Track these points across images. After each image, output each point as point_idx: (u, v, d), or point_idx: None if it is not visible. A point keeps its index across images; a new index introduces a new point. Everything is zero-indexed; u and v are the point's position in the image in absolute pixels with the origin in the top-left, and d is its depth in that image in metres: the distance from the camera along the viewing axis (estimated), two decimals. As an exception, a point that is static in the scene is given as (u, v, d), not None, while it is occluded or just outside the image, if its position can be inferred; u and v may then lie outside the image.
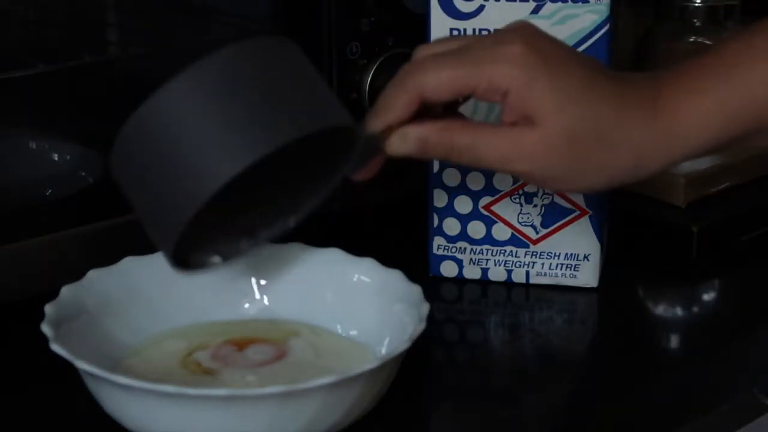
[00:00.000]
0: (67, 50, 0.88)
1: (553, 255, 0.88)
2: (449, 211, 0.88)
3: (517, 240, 0.88)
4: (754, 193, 1.00)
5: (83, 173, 0.87)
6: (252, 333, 0.77)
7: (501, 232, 0.88)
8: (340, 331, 0.77)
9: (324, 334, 0.77)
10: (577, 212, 0.87)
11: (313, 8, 0.91)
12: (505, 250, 0.88)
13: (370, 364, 0.67)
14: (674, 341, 0.86)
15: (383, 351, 0.74)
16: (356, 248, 0.79)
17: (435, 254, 0.89)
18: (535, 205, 0.87)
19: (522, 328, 0.86)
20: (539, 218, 0.87)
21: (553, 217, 0.87)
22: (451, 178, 0.87)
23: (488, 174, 0.86)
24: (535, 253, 0.88)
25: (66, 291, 0.74)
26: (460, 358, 0.83)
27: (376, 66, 0.94)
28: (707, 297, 0.92)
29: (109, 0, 0.92)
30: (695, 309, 0.90)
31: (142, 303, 0.77)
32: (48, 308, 0.71)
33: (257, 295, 0.80)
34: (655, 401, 0.77)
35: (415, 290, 0.74)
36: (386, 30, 0.94)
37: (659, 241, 0.96)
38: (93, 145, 0.87)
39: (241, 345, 0.75)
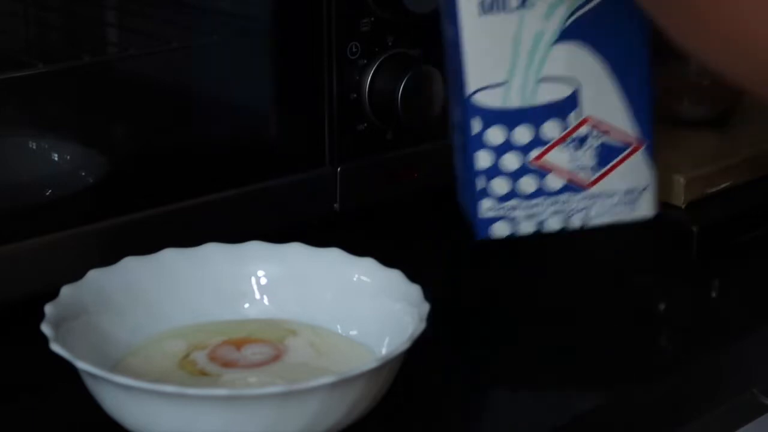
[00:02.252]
0: (67, 50, 0.88)
1: (609, 194, 0.85)
2: (496, 170, 0.83)
3: (572, 186, 0.85)
4: (754, 193, 1.00)
5: (83, 173, 0.87)
6: (252, 333, 0.77)
7: (554, 181, 0.84)
8: (340, 331, 0.77)
9: (324, 334, 0.77)
10: (631, 147, 0.84)
11: (313, 8, 0.91)
12: (560, 199, 0.85)
13: (370, 364, 0.67)
14: (674, 341, 0.86)
15: (383, 351, 0.74)
16: (356, 248, 0.79)
17: (483, 218, 0.85)
18: (588, 148, 0.84)
19: (521, 329, 0.86)
20: (593, 160, 0.84)
21: (607, 156, 0.84)
22: (495, 136, 0.83)
23: (536, 125, 0.83)
24: (592, 196, 0.85)
25: (66, 291, 0.74)
26: (460, 358, 0.83)
27: (376, 66, 0.94)
28: (707, 297, 0.92)
29: (109, 0, 0.92)
30: (695, 309, 0.90)
31: (142, 303, 0.77)
32: (48, 308, 0.71)
33: (257, 295, 0.80)
34: (655, 401, 0.77)
35: (415, 290, 0.74)
36: (386, 30, 0.95)
37: (659, 241, 0.96)
38: (93, 145, 0.87)
39: (240, 345, 0.75)
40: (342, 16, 0.92)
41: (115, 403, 0.68)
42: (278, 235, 0.82)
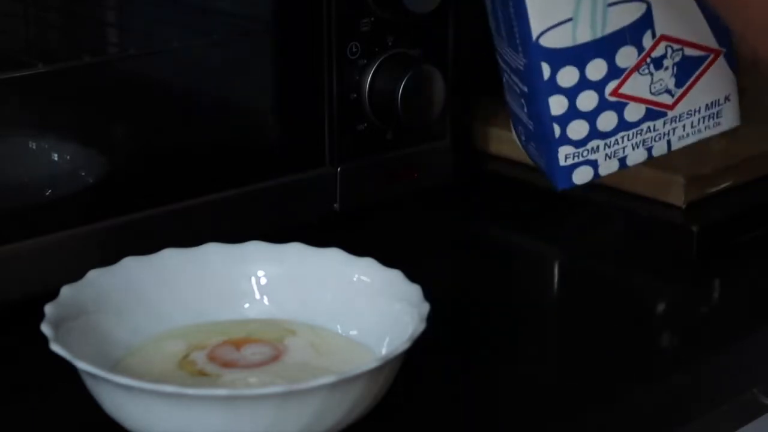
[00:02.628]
0: (67, 50, 0.88)
1: (693, 112, 0.82)
2: (572, 113, 0.79)
3: (653, 113, 0.81)
4: (754, 193, 1.00)
5: (83, 173, 0.87)
6: (251, 333, 0.77)
7: (634, 112, 0.80)
8: (340, 331, 0.77)
9: (324, 334, 0.77)
10: (711, 55, 0.81)
11: (313, 8, 0.91)
12: (642, 129, 0.81)
13: (370, 364, 0.67)
14: (674, 341, 0.86)
15: (383, 351, 0.74)
16: (356, 248, 0.79)
17: (563, 167, 0.80)
18: (666, 68, 0.80)
19: (520, 328, 0.86)
20: (672, 80, 0.81)
21: (687, 71, 0.81)
22: (568, 77, 0.78)
23: (609, 56, 0.78)
24: (674, 118, 0.81)
25: (66, 291, 0.74)
26: (460, 358, 0.83)
27: (376, 66, 0.94)
28: (707, 297, 0.92)
29: (109, 0, 0.92)
30: (695, 309, 0.90)
31: (142, 303, 0.77)
32: (48, 308, 0.71)
33: (257, 295, 0.80)
34: (655, 401, 0.77)
35: (415, 290, 0.74)
36: (386, 30, 0.95)
37: (659, 241, 0.96)
38: (93, 145, 0.87)
39: (240, 345, 0.75)
40: (342, 16, 0.92)
41: (115, 403, 0.68)
42: (278, 235, 0.82)
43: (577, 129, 0.79)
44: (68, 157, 0.87)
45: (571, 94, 0.78)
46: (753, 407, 0.85)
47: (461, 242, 1.00)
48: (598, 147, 0.80)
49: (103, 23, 0.92)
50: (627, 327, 0.85)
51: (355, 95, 0.94)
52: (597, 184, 1.00)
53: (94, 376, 0.67)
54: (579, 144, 0.80)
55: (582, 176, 0.81)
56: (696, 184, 0.97)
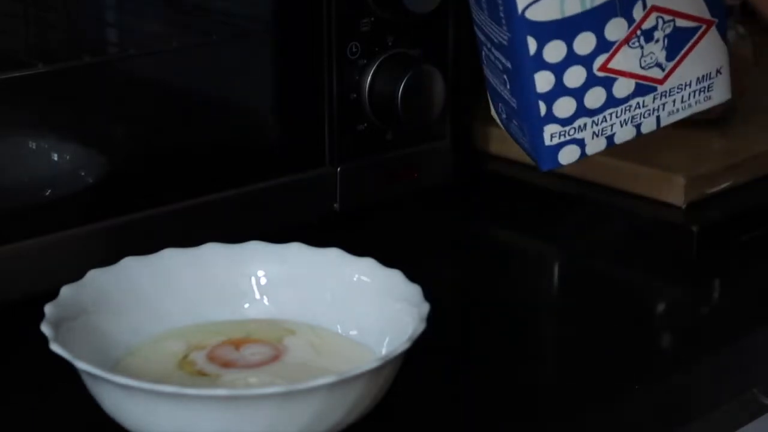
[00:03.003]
0: (67, 50, 0.88)
1: (684, 86, 0.79)
2: (559, 90, 0.75)
3: (642, 88, 0.77)
4: (755, 193, 1.00)
5: (83, 173, 0.87)
6: (251, 333, 0.77)
7: (623, 87, 0.77)
8: (340, 331, 0.77)
9: (324, 334, 0.77)
10: (703, 26, 0.78)
11: (313, 8, 0.91)
12: (631, 105, 0.77)
13: (370, 364, 0.67)
14: (674, 341, 0.86)
15: (383, 351, 0.74)
16: (356, 248, 0.79)
17: (549, 146, 0.77)
18: (657, 40, 0.77)
19: (521, 328, 0.86)
20: (663, 53, 0.77)
21: (679, 43, 0.78)
22: (555, 52, 0.74)
23: (598, 29, 0.75)
24: (664, 93, 0.78)
25: (66, 291, 0.74)
26: (460, 358, 0.83)
27: (376, 66, 0.94)
28: (707, 297, 0.92)
29: (109, 0, 0.92)
30: (695, 309, 0.90)
31: (141, 303, 0.77)
32: (48, 308, 0.71)
33: (257, 295, 0.80)
34: (655, 401, 0.77)
35: (415, 290, 0.74)
36: (386, 30, 0.95)
37: (659, 241, 0.96)
38: (93, 145, 0.87)
39: (239, 345, 0.75)
40: (342, 16, 0.92)
41: (114, 403, 0.68)
42: (278, 235, 0.82)
43: (564, 106, 0.76)
44: (68, 157, 0.87)
45: (558, 69, 0.75)
46: (753, 407, 0.85)
47: (461, 242, 1.00)
48: (585, 125, 0.77)
49: (103, 23, 0.92)
50: (627, 327, 0.85)
51: (355, 95, 0.94)
52: (597, 183, 1.01)
53: (94, 376, 0.67)
54: (565, 122, 0.76)
55: (568, 156, 0.78)
56: (696, 184, 0.97)
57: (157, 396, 0.65)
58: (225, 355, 0.74)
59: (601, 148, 0.78)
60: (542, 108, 0.75)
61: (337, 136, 0.94)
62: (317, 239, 0.80)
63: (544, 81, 0.74)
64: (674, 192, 0.97)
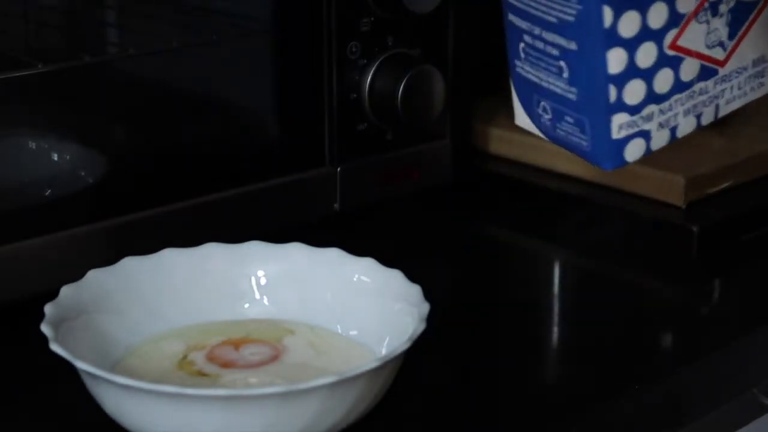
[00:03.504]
0: (67, 50, 0.88)
1: (741, 70, 0.75)
2: (631, 71, 0.70)
3: (705, 71, 0.74)
4: (755, 193, 1.00)
5: (83, 173, 0.87)
6: (251, 333, 0.77)
7: (689, 69, 0.73)
8: (340, 331, 0.77)
9: (323, 334, 0.77)
10: (762, 0, 0.74)
11: (313, 8, 0.91)
12: (694, 92, 0.74)
13: (370, 364, 0.67)
14: (674, 341, 0.86)
15: (383, 351, 0.74)
16: (356, 248, 0.79)
17: (616, 140, 0.71)
18: (722, 15, 0.73)
19: (521, 328, 0.86)
20: (726, 30, 0.72)
21: (740, 19, 0.74)
22: (630, 25, 0.68)
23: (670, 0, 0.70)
24: (724, 78, 0.74)
25: (66, 291, 0.74)
26: (461, 358, 0.83)
27: (376, 66, 0.94)
28: (707, 297, 0.92)
29: (109, 0, 0.92)
30: (695, 309, 0.90)
31: (141, 303, 0.77)
32: (48, 308, 0.71)
33: (257, 295, 0.80)
34: (654, 401, 0.77)
35: (415, 290, 0.74)
36: (386, 30, 0.95)
37: (659, 241, 0.96)
38: (93, 145, 0.87)
39: (239, 345, 0.75)
40: (342, 16, 0.92)
41: (114, 403, 0.68)
42: (278, 235, 0.82)
43: (634, 91, 0.71)
44: (68, 157, 0.87)
45: (631, 46, 0.70)
46: (753, 407, 0.86)
47: (461, 242, 0.99)
48: (652, 114, 0.72)
49: (103, 23, 0.92)
50: (627, 327, 0.85)
51: (355, 95, 0.94)
52: (597, 183, 1.01)
53: (94, 376, 0.67)
54: (634, 110, 0.71)
55: (634, 152, 0.73)
56: (696, 184, 0.97)
57: (157, 396, 0.65)
58: (224, 355, 0.74)
59: (664, 143, 0.74)
60: (612, 93, 0.70)
61: (337, 136, 0.94)
62: (317, 239, 0.80)
63: (616, 60, 0.69)
64: (674, 192, 0.97)
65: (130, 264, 0.77)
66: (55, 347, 0.67)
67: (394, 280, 0.76)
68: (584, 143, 0.72)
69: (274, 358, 0.74)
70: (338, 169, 0.95)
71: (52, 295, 0.73)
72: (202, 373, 0.72)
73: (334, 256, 0.79)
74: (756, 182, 1.01)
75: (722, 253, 0.95)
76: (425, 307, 0.72)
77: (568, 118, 0.72)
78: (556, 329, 0.86)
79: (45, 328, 0.69)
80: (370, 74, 0.94)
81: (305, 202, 0.94)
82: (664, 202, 0.98)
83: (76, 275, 0.75)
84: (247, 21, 0.93)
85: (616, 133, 0.71)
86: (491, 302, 0.89)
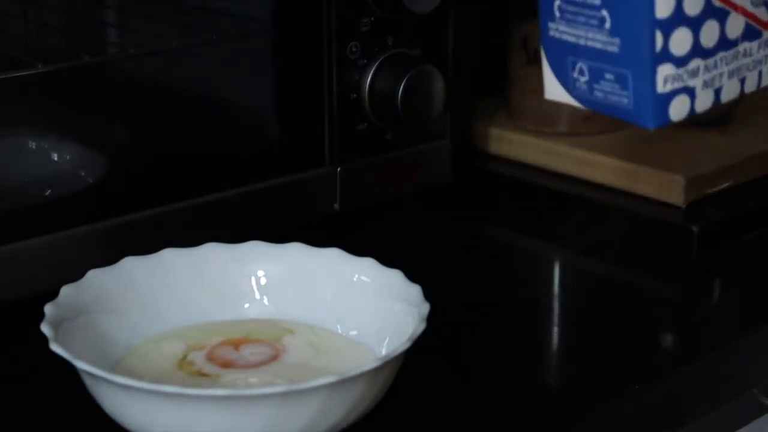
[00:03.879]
0: (67, 50, 0.88)
1: None
2: (678, 17, 0.66)
3: (750, 31, 0.71)
4: (755, 193, 1.00)
5: (83, 173, 0.87)
6: (251, 333, 0.77)
7: (735, 25, 0.70)
8: (340, 331, 0.77)
9: (324, 334, 0.77)
10: None
11: (313, 8, 0.91)
12: (738, 51, 0.71)
13: (370, 364, 0.67)
14: (674, 341, 0.86)
15: (383, 351, 0.74)
16: (356, 248, 0.79)
17: (661, 94, 0.67)
18: None
19: (521, 328, 0.86)
20: None
21: None
22: None
23: None
24: (766, 43, 0.72)
25: (66, 291, 0.74)
26: (461, 358, 0.83)
27: (376, 66, 0.94)
28: (707, 297, 0.92)
29: (109, 0, 0.92)
30: (695, 309, 0.90)
31: (141, 303, 0.77)
32: (48, 308, 0.71)
33: (257, 295, 0.80)
34: (654, 401, 0.77)
35: (415, 290, 0.74)
36: (386, 30, 0.95)
37: (659, 241, 0.96)
38: (93, 145, 0.87)
39: (238, 345, 0.75)
40: (342, 16, 0.92)
41: (114, 403, 0.68)
42: (278, 235, 0.82)
43: (681, 40, 0.67)
44: (68, 157, 0.87)
45: None
46: (753, 407, 0.86)
47: (461, 242, 0.99)
48: (698, 69, 0.69)
49: (103, 23, 0.92)
50: (627, 327, 0.85)
51: (355, 95, 0.94)
52: (597, 183, 1.01)
53: (94, 376, 0.67)
54: (680, 62, 0.68)
55: (679, 110, 0.69)
56: (696, 184, 0.97)
57: (157, 396, 0.65)
58: (224, 356, 0.74)
59: (708, 105, 0.71)
60: (659, 40, 0.66)
61: (337, 136, 0.94)
62: (317, 239, 0.80)
63: (665, 2, 0.66)
64: (674, 192, 0.97)
65: (130, 264, 0.77)
66: (55, 347, 0.67)
67: (394, 280, 0.76)
68: (626, 100, 0.69)
69: (274, 358, 0.74)
70: (338, 169, 0.95)
71: (52, 295, 0.73)
72: (201, 374, 0.72)
73: (334, 256, 0.79)
74: (756, 182, 1.01)
75: (722, 253, 0.95)
76: (425, 307, 0.72)
77: (608, 75, 0.69)
78: (556, 329, 0.86)
79: (45, 328, 0.69)
80: (370, 74, 0.94)
81: (305, 202, 0.94)
82: (664, 202, 0.98)
83: (76, 275, 0.75)
84: (247, 21, 0.93)
85: (662, 87, 0.68)
86: (491, 302, 0.89)
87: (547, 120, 1.06)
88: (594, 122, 1.04)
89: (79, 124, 0.86)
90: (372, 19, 0.93)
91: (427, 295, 0.74)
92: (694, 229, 0.94)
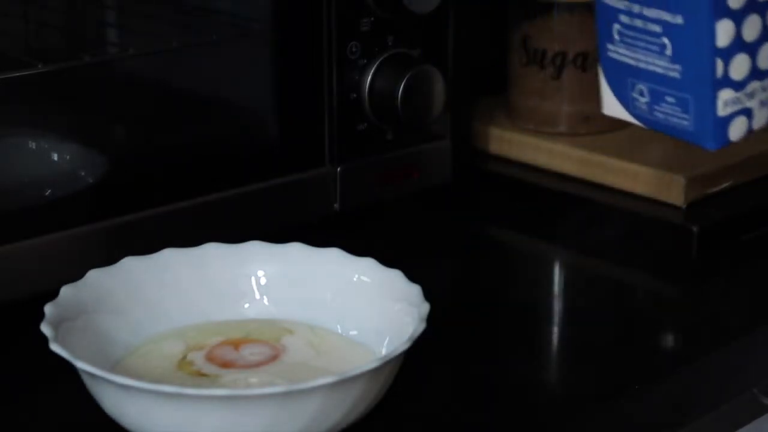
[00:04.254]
0: (67, 50, 0.88)
1: None
2: (737, 44, 0.68)
3: None
4: (755, 192, 1.00)
5: (83, 173, 0.87)
6: (251, 333, 0.77)
7: None
8: (340, 331, 0.77)
9: (324, 334, 0.77)
10: None
11: (313, 8, 0.91)
12: None
13: (370, 364, 0.67)
14: (674, 341, 0.86)
15: (383, 351, 0.74)
16: (356, 248, 0.79)
17: (721, 117, 0.69)
18: None
19: (521, 329, 0.86)
20: None
21: None
22: None
23: None
24: None
25: (66, 291, 0.74)
26: (461, 358, 0.83)
27: (376, 66, 0.94)
28: (707, 297, 0.92)
29: (109, 0, 0.92)
30: (695, 309, 0.90)
31: (141, 303, 0.77)
32: (48, 308, 0.71)
33: (257, 295, 0.80)
34: (654, 401, 0.77)
35: (415, 290, 0.74)
36: (386, 30, 0.95)
37: (659, 241, 0.96)
38: (93, 145, 0.87)
39: (238, 345, 0.75)
40: (342, 16, 0.92)
41: (114, 403, 0.68)
42: (278, 235, 0.82)
43: (740, 66, 0.69)
44: (68, 157, 0.87)
45: (739, 18, 0.68)
46: (753, 407, 0.85)
47: (461, 242, 0.99)
48: (755, 91, 0.70)
49: (103, 23, 0.92)
50: (627, 327, 0.85)
51: (355, 95, 0.94)
52: (597, 183, 1.01)
53: (93, 376, 0.67)
54: (739, 86, 0.69)
55: (738, 130, 0.71)
56: (696, 184, 0.97)
57: (157, 396, 0.65)
58: (224, 356, 0.74)
59: (764, 122, 0.72)
60: (719, 67, 0.68)
61: (337, 136, 0.94)
62: (317, 239, 0.80)
63: (725, 32, 0.68)
64: (674, 192, 0.97)
65: (130, 264, 0.77)
66: (55, 347, 0.67)
67: (394, 280, 0.76)
68: (686, 122, 0.70)
69: (274, 358, 0.74)
70: (338, 169, 0.95)
71: (52, 295, 0.73)
72: (201, 374, 0.72)
73: (334, 256, 0.79)
74: (756, 182, 1.01)
75: (722, 253, 0.95)
76: (425, 307, 0.72)
77: (669, 98, 0.71)
78: (556, 329, 0.86)
79: (45, 328, 0.69)
80: (370, 74, 0.94)
81: (305, 202, 0.94)
82: (664, 202, 0.98)
83: (76, 275, 0.75)
84: (247, 21, 0.93)
85: (722, 110, 0.69)
86: (491, 302, 0.89)
87: (547, 120, 1.06)
88: (594, 122, 1.04)
89: (79, 124, 0.86)
90: (372, 19, 0.93)
91: (427, 295, 0.74)
92: (694, 229, 0.94)
